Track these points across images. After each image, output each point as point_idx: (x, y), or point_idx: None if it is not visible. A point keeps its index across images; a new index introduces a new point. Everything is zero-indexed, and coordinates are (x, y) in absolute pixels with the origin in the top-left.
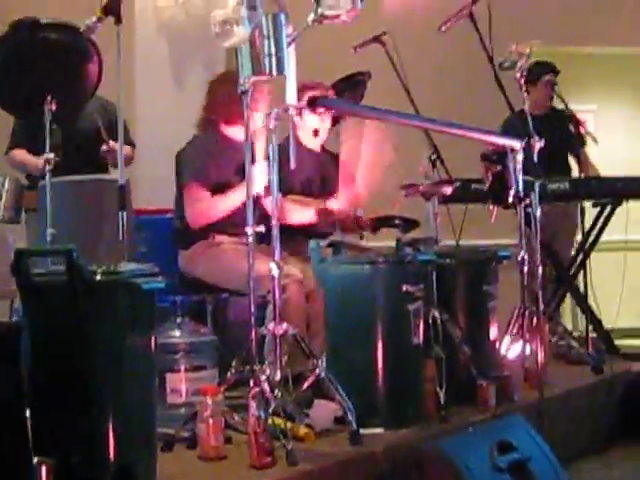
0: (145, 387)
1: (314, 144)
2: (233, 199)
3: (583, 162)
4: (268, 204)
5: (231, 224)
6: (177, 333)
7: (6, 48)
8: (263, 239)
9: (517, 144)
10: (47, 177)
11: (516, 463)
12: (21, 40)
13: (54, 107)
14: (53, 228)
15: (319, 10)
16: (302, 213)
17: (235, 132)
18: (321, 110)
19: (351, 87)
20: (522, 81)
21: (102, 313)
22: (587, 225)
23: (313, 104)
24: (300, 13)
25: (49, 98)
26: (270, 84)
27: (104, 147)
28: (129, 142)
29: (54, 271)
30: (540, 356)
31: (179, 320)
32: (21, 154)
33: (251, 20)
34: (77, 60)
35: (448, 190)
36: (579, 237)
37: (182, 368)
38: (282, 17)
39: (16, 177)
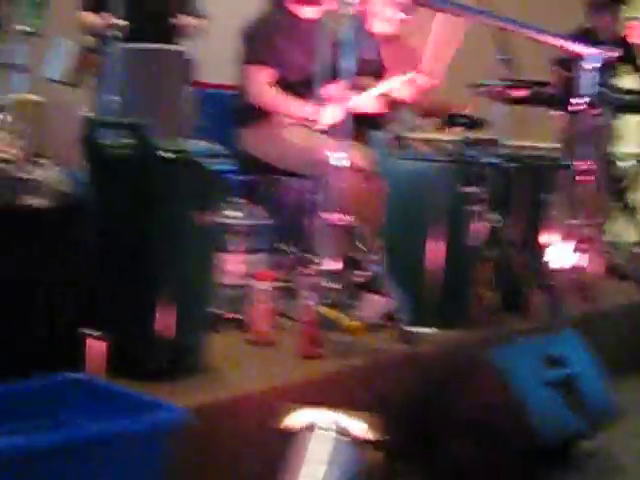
0: (205, 268)
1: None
2: (296, 109)
3: None
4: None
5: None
6: (234, 214)
7: None
8: None
9: (589, 51)
10: (112, 43)
11: (565, 379)
12: None
13: None
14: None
15: None
16: (367, 101)
17: (305, 11)
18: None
19: None
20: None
21: (168, 190)
22: None
23: None
24: None
25: None
26: None
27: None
28: (198, 14)
29: (123, 144)
30: (592, 269)
31: (237, 201)
32: (88, 16)
33: None
34: None
35: (521, 92)
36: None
37: (237, 249)
38: None
39: (82, 39)
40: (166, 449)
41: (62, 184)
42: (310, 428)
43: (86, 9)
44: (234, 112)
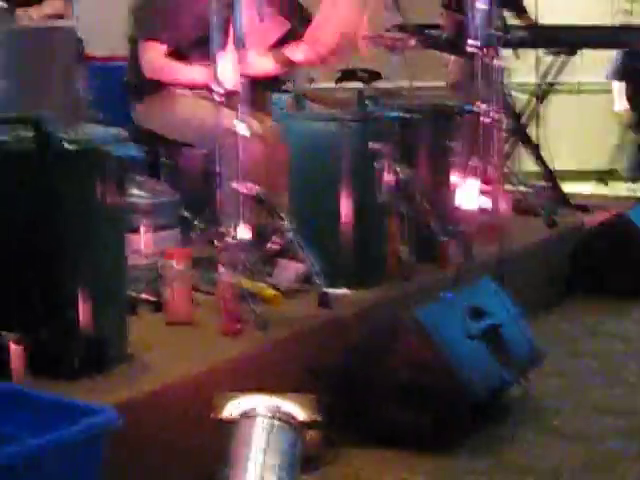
0: (117, 254)
1: None
2: (192, 74)
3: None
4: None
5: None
6: (137, 192)
7: None
8: None
9: None
10: None
11: (488, 329)
12: None
13: None
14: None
15: None
16: (262, 63)
17: None
18: None
19: None
20: None
21: (72, 181)
22: None
23: None
24: None
25: None
26: None
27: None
28: None
29: (22, 138)
30: (500, 209)
31: (138, 178)
32: None
33: None
34: None
35: (412, 42)
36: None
37: (144, 229)
38: None
39: None
40: (103, 453)
41: None
42: (247, 415)
43: None
44: (127, 86)
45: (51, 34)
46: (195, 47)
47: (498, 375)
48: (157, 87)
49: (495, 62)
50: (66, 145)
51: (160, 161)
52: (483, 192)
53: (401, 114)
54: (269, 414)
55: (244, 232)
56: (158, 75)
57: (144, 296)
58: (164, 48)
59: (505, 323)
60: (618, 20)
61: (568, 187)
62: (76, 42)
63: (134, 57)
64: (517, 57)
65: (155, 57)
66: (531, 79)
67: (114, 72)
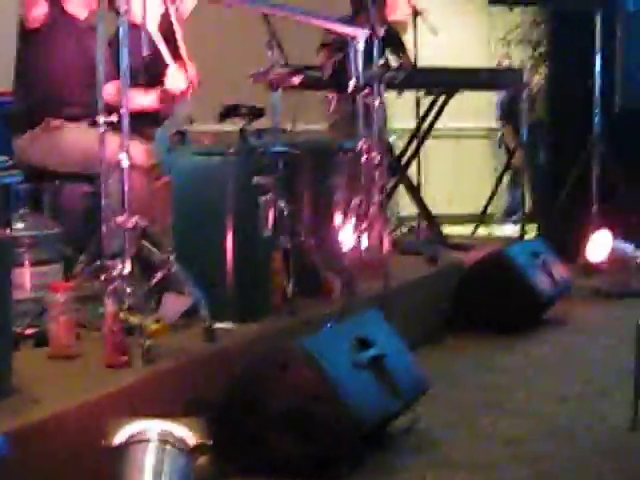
0: (1, 287)
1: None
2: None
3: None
4: (110, 90)
5: (67, 105)
6: (19, 225)
7: None
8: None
9: (360, 32)
10: None
11: (375, 359)
12: None
13: None
14: None
15: None
16: (144, 97)
17: (80, 11)
18: None
19: None
20: None
21: None
22: None
23: None
24: None
25: None
26: None
27: None
28: None
29: None
30: (380, 246)
31: (21, 211)
32: None
33: None
34: None
35: (297, 80)
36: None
37: (26, 262)
38: None
39: None
40: None
41: None
42: (139, 440)
43: None
44: (10, 119)
45: None
46: (80, 86)
47: (385, 405)
48: (35, 118)
49: (376, 102)
50: None
51: (42, 195)
52: (365, 229)
53: (284, 149)
54: (161, 438)
55: (129, 266)
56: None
57: (26, 330)
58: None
59: (391, 353)
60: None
61: (446, 230)
62: None
63: (20, 87)
64: (399, 94)
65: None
66: (411, 123)
67: None
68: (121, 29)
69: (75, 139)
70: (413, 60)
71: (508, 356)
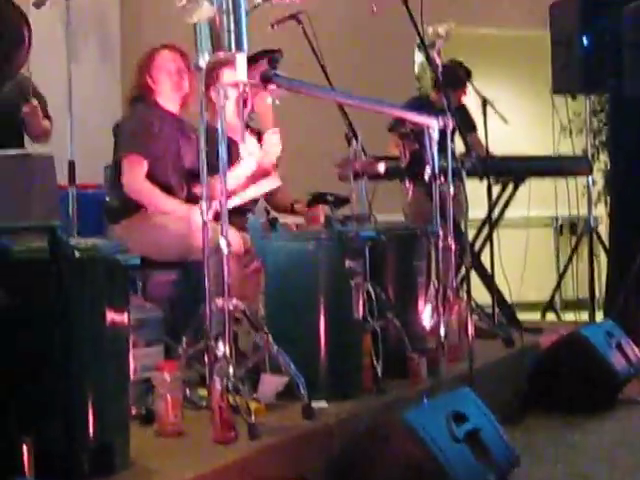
0: (120, 364)
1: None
2: (172, 208)
3: (475, 144)
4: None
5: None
6: None
7: None
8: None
9: (434, 122)
10: None
11: (470, 433)
12: None
13: None
14: None
15: None
16: (239, 169)
17: (173, 105)
18: (273, 87)
19: (263, 64)
20: (439, 61)
21: (82, 290)
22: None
23: (267, 80)
24: None
25: None
26: None
27: (26, 108)
28: (49, 117)
29: (34, 248)
30: (463, 329)
31: None
32: None
33: None
34: (8, 33)
35: (381, 168)
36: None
37: (131, 345)
38: None
39: None
40: None
41: None
42: None
43: None
44: (106, 209)
45: (30, 161)
46: (172, 179)
47: (483, 477)
48: (132, 207)
49: (450, 190)
50: (77, 253)
51: (135, 281)
52: (445, 312)
53: (372, 234)
54: None
55: (229, 347)
56: (137, 195)
57: (133, 410)
58: (145, 165)
59: (485, 428)
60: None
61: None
62: (54, 170)
63: (114, 179)
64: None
65: (137, 177)
66: (482, 212)
67: (86, 198)
68: (219, 122)
69: (170, 228)
70: (485, 149)
71: (586, 434)
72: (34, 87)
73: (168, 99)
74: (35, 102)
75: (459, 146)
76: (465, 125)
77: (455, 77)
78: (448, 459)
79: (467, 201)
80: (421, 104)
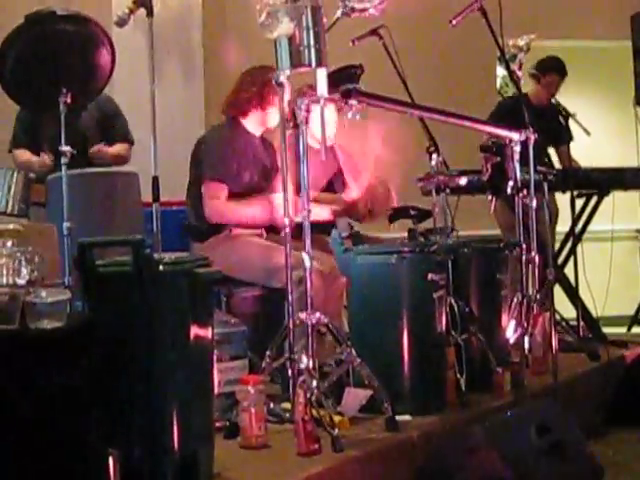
0: (204, 376)
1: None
2: (253, 212)
3: (565, 156)
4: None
5: None
6: None
7: (22, 40)
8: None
9: (516, 136)
10: (63, 170)
11: (554, 445)
12: (37, 32)
13: (69, 100)
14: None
15: (348, 4)
16: (320, 212)
17: (256, 128)
18: (354, 102)
19: (344, 80)
20: (520, 74)
21: (166, 303)
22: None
23: (348, 95)
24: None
25: (64, 91)
26: None
27: (94, 148)
28: (127, 139)
29: (119, 262)
30: (548, 343)
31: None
32: (24, 154)
33: (295, 12)
34: (92, 53)
35: (463, 181)
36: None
37: (215, 359)
38: (322, 10)
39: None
40: None
41: (69, 306)
42: None
43: (20, 146)
44: (189, 228)
45: (115, 178)
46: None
47: None
48: (216, 228)
49: (533, 203)
50: (162, 267)
51: (219, 297)
52: (529, 325)
53: (455, 247)
54: None
55: (313, 360)
56: (220, 218)
57: (218, 423)
58: (226, 190)
59: (569, 440)
60: None
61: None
62: (138, 186)
63: (195, 198)
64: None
65: (218, 202)
66: (565, 225)
67: (169, 215)
68: (301, 141)
69: (254, 248)
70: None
71: None
72: (116, 107)
73: (257, 121)
74: (100, 147)
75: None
76: (562, 134)
77: (560, 63)
78: (531, 471)
79: (557, 214)
80: (517, 106)
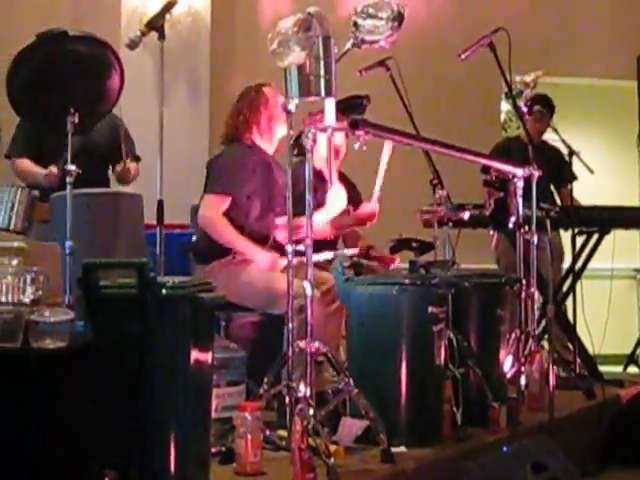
0: (202, 401)
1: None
2: (244, 248)
3: (566, 195)
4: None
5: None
6: None
7: (33, 59)
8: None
9: (519, 171)
10: (68, 189)
11: None
12: (48, 52)
13: (76, 120)
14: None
15: (358, 35)
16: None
17: (267, 145)
18: (360, 132)
19: (351, 110)
20: (525, 110)
21: (168, 326)
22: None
23: (355, 125)
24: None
25: (72, 111)
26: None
27: (118, 167)
28: (137, 157)
29: (124, 283)
30: (545, 379)
31: None
32: (27, 165)
33: (306, 42)
34: (101, 73)
35: (466, 215)
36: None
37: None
38: (333, 41)
39: (28, 188)
40: None
41: (72, 326)
42: None
43: (20, 155)
44: (191, 248)
45: (120, 199)
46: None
47: None
48: (221, 251)
49: (534, 239)
50: (164, 290)
51: (218, 322)
52: (526, 361)
53: (455, 281)
54: None
55: (310, 389)
56: (209, 227)
57: (214, 449)
58: (227, 203)
59: (563, 478)
60: None
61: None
62: (142, 209)
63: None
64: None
65: (212, 211)
66: (565, 263)
67: (171, 238)
68: (307, 165)
69: (257, 275)
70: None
71: None
72: (125, 130)
73: (266, 138)
74: (125, 165)
75: None
76: (561, 175)
77: (545, 98)
78: None
79: (563, 251)
80: (517, 146)
